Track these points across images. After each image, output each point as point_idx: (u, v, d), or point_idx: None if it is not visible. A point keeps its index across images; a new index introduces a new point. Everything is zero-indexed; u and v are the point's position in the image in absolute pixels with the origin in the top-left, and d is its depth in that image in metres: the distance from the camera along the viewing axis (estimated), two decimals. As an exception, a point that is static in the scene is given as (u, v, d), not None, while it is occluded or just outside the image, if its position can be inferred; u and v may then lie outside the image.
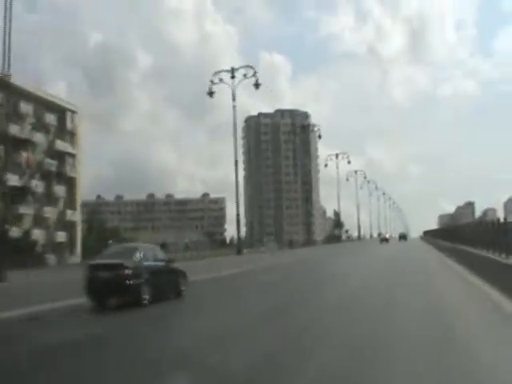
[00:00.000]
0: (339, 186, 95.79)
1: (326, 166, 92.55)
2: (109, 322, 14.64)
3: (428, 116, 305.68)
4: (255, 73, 43.17)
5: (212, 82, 43.11)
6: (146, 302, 16.89)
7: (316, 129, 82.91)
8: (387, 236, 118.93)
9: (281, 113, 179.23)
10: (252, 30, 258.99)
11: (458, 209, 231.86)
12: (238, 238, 47.17)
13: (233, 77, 42.83)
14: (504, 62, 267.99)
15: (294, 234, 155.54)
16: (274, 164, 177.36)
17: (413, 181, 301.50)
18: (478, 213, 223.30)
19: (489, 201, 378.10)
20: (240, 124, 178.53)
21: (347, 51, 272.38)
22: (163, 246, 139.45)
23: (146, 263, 17.63)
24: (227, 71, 43.17)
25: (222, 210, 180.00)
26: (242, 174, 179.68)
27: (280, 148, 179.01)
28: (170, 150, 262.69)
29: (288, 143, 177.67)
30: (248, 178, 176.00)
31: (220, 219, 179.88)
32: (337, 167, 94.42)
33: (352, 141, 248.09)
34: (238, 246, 45.82)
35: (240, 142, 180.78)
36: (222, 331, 11.65)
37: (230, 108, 42.67)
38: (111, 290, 16.74)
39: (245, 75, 43.19)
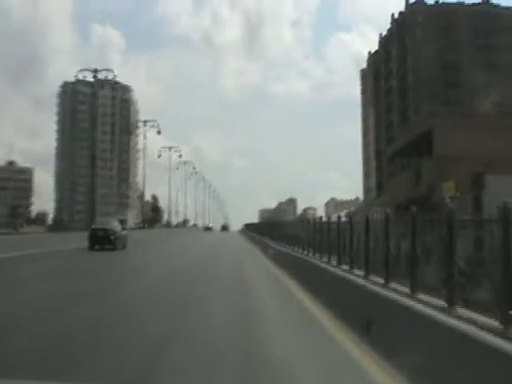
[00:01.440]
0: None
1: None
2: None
3: (258, 112, 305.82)
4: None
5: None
6: (117, 248, 34.42)
7: (137, 106, 74.39)
8: (211, 226, 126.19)
9: (101, 83, 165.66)
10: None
11: (280, 204, 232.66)
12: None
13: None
14: (334, 68, 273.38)
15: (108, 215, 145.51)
16: (90, 137, 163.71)
17: (237, 173, 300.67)
18: (299, 210, 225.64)
19: (310, 200, 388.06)
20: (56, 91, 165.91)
21: (182, 35, 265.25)
22: None
23: (116, 229, 36.15)
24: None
25: (29, 181, 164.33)
26: (54, 144, 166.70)
27: (98, 121, 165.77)
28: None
29: (107, 116, 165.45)
30: (60, 150, 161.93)
31: (26, 191, 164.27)
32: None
33: (179, 127, 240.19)
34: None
35: (55, 110, 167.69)
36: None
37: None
38: (103, 241, 34.55)
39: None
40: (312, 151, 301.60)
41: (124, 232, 38.03)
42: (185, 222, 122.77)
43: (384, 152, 76.64)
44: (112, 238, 34.58)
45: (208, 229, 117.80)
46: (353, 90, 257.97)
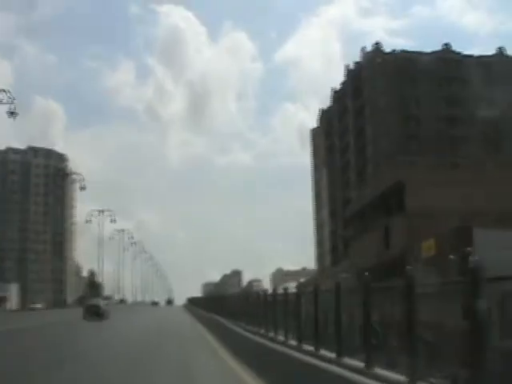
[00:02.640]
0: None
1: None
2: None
3: (203, 184, 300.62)
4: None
5: None
6: (105, 319, 47.56)
7: (76, 177, 66.86)
8: (157, 301, 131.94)
9: (34, 151, 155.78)
10: (28, 71, 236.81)
11: (225, 277, 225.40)
12: None
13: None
14: (280, 137, 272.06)
15: (40, 293, 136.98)
16: (21, 208, 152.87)
17: (181, 246, 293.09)
18: (244, 282, 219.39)
19: (256, 271, 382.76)
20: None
21: (126, 107, 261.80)
22: None
23: (102, 305, 53.35)
24: None
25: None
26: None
27: (29, 191, 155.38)
28: None
29: (40, 186, 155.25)
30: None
31: None
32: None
33: (121, 200, 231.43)
34: None
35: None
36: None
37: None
38: (95, 314, 48.15)
39: None
40: (258, 221, 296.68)
41: (107, 307, 53.80)
42: (107, 297, 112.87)
43: (343, 214, 69.96)
44: (101, 311, 49.43)
45: (155, 303, 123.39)
46: (300, 157, 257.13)
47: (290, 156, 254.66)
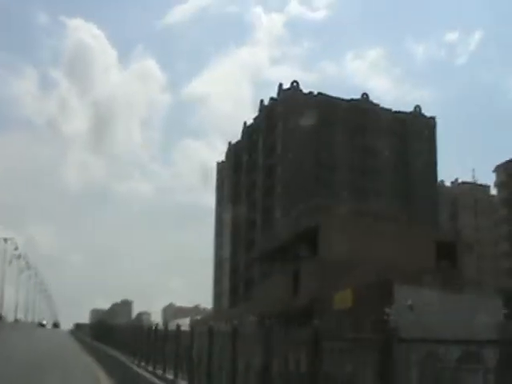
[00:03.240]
0: None
1: None
2: None
3: (100, 208, 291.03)
4: None
5: None
6: None
7: None
8: (44, 322, 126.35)
9: None
10: None
11: (114, 306, 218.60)
12: None
13: None
14: (181, 173, 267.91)
15: None
16: None
17: (71, 269, 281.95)
18: (134, 313, 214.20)
19: (147, 303, 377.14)
20: None
21: (26, 118, 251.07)
22: None
23: None
24: None
25: None
26: None
27: None
28: None
29: None
30: None
31: None
32: None
33: (11, 213, 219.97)
34: None
35: None
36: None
37: None
38: None
39: None
40: (154, 253, 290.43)
41: None
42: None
43: (246, 254, 67.28)
44: None
45: (42, 325, 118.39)
46: (203, 194, 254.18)
47: (192, 192, 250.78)
